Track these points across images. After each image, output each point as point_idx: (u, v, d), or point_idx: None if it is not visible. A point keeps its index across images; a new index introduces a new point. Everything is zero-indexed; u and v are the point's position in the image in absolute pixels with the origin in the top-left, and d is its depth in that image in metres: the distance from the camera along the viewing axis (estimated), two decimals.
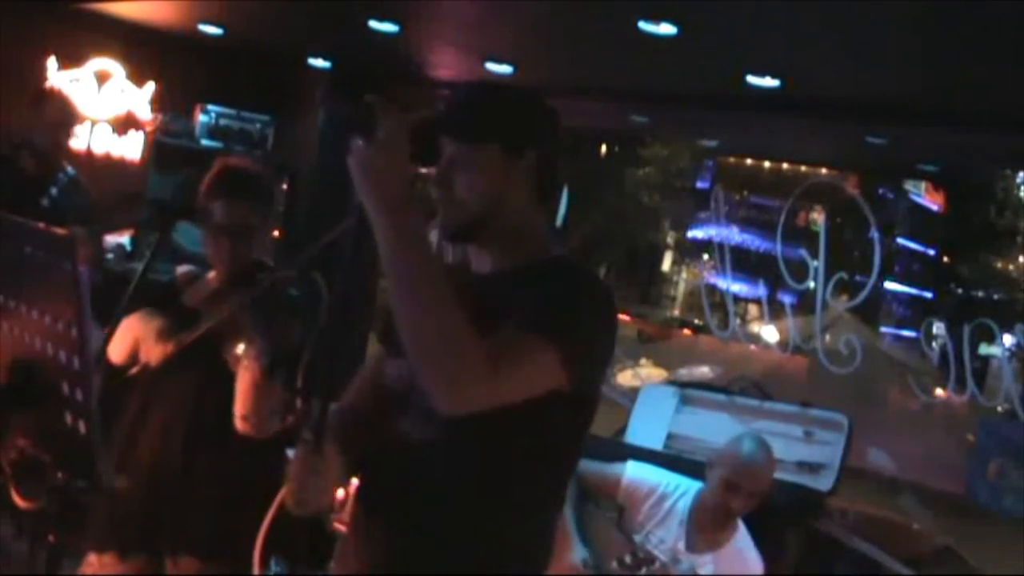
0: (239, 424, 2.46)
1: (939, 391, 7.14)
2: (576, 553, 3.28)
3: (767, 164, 24.07)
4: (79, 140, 6.50)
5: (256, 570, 1.84)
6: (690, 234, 24.48)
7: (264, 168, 2.89)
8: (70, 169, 4.49)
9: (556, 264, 1.79)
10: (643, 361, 9.72)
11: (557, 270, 1.76)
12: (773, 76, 5.17)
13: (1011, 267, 22.10)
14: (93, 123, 6.75)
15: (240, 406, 2.44)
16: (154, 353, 2.55)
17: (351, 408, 1.90)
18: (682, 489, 3.34)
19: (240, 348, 2.45)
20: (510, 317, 1.65)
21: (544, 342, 1.63)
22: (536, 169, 1.78)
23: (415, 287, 1.58)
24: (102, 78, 6.78)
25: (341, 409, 1.89)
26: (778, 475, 3.58)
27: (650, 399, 4.65)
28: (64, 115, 4.45)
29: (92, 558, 2.60)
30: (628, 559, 3.19)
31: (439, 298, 1.57)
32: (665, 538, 3.26)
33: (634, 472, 3.42)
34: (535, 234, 1.82)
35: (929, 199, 26.01)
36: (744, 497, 3.22)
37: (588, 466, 3.40)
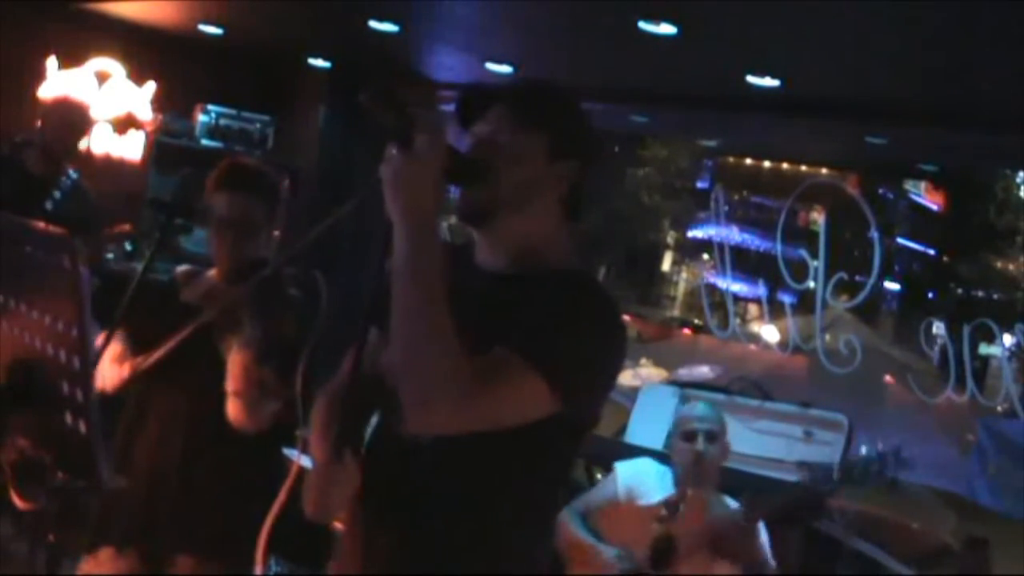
0: (231, 406, 2.45)
1: (939, 391, 7.14)
2: (606, 552, 3.27)
3: (767, 164, 24.07)
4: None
5: (257, 569, 1.83)
6: (690, 234, 24.46)
7: (271, 167, 2.90)
8: (73, 173, 4.44)
9: (569, 278, 1.74)
10: (643, 361, 9.69)
11: (568, 285, 1.72)
12: (773, 76, 5.17)
13: (1011, 267, 22.08)
14: (93, 123, 6.74)
15: (231, 382, 2.44)
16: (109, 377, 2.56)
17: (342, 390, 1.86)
18: (661, 472, 3.42)
19: (234, 337, 2.45)
20: (509, 327, 1.63)
21: (533, 372, 1.61)
22: (571, 180, 1.77)
23: (417, 305, 1.58)
24: (102, 78, 6.77)
25: (332, 391, 1.88)
26: (778, 475, 3.57)
27: (650, 399, 4.65)
28: (79, 119, 4.43)
29: (90, 555, 2.61)
30: (664, 512, 3.21)
31: (435, 323, 1.57)
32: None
33: (627, 479, 3.43)
34: (556, 246, 1.78)
35: (929, 199, 26.01)
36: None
37: (589, 500, 3.45)
